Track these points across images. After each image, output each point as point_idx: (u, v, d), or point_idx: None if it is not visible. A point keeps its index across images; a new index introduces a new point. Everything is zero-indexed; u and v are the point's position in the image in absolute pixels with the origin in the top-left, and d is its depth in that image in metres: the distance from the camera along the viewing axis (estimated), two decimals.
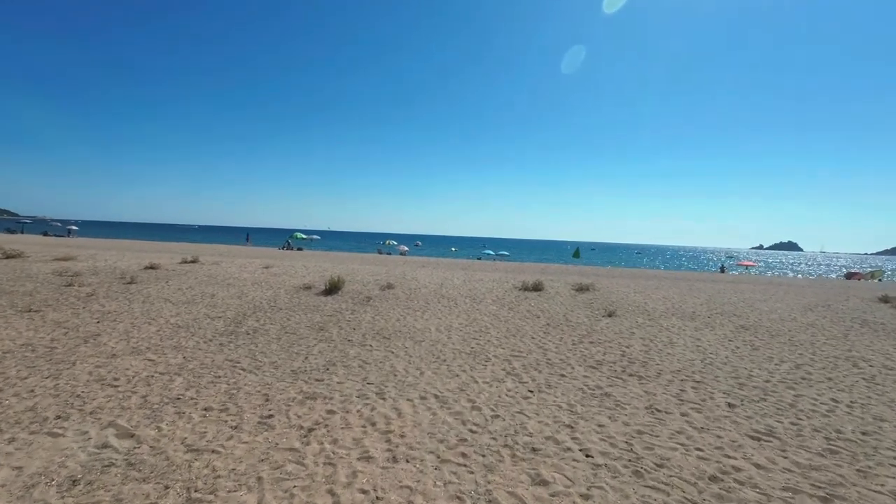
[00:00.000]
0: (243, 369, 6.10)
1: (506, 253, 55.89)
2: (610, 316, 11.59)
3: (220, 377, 5.71)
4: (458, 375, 6.30)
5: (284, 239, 51.26)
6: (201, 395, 5.03)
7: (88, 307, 9.71)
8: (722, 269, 48.92)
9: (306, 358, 6.86)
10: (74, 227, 58.51)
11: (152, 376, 5.56)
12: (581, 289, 16.10)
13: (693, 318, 11.87)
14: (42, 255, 19.46)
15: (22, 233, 55.12)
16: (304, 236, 47.97)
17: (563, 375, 6.54)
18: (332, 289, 13.37)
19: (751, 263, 50.66)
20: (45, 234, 53.73)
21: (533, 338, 8.93)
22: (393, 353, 7.42)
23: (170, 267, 17.12)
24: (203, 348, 7.11)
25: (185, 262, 19.32)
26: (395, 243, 53.59)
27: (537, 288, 15.71)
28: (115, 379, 5.41)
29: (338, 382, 5.72)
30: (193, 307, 10.37)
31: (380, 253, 47.23)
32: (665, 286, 19.66)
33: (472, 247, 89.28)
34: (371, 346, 7.80)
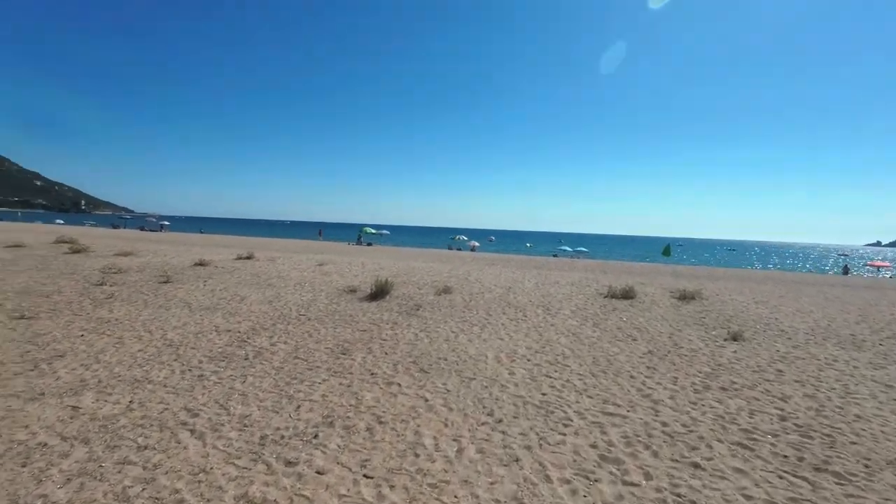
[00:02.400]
0: (191, 430, 4.07)
1: (584, 249, 51.66)
2: (735, 339, 8.51)
3: (144, 448, 3.71)
4: (517, 460, 3.85)
5: (356, 234, 51.04)
6: (78, 498, 3.02)
7: (93, 313, 8.37)
8: (845, 271, 41.73)
9: (298, 408, 4.73)
10: (166, 223, 62.32)
11: (43, 446, 3.66)
12: (684, 297, 12.87)
13: (858, 346, 8.48)
14: (109, 249, 19.35)
15: (124, 227, 59.44)
16: (373, 231, 47.13)
17: (697, 467, 3.87)
18: (379, 293, 11.36)
19: (884, 264, 42.69)
20: (142, 228, 57.49)
21: (633, 377, 6.23)
22: (426, 400, 5.12)
23: (220, 264, 16.08)
24: (169, 384, 5.22)
25: (240, 258, 18.37)
26: (466, 238, 51.31)
27: (628, 295, 12.73)
28: None
29: (316, 472, 3.50)
30: (209, 315, 8.73)
31: (450, 249, 45.23)
32: (790, 293, 15.73)
33: (548, 242, 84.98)
34: (399, 385, 5.55)
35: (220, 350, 6.64)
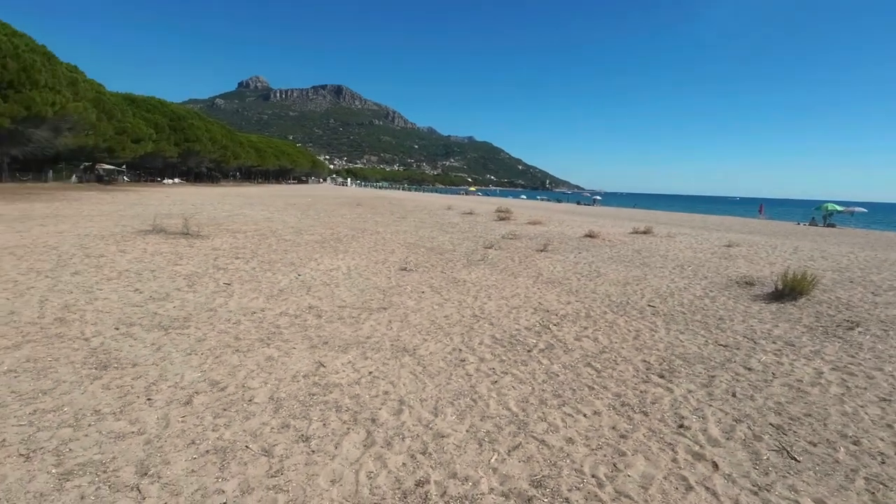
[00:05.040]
0: (367, 434, 3.11)
1: None
2: None
3: (302, 441, 3.00)
4: None
5: (811, 212, 39.57)
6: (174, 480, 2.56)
7: (454, 273, 8.93)
8: None
9: (511, 450, 3.00)
10: (598, 198, 66.83)
11: (249, 402, 3.51)
12: None
13: None
14: (527, 219, 21.66)
15: (559, 202, 67.59)
16: (839, 209, 34.93)
17: None
18: (789, 291, 7.49)
19: None
20: (578, 203, 63.87)
21: None
22: None
23: (610, 237, 15.06)
24: (424, 363, 4.49)
25: (636, 231, 16.82)
26: None
27: None
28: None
29: None
30: (544, 289, 7.86)
31: None
32: None
33: None
34: (715, 467, 2.89)
35: (514, 332, 5.56)
